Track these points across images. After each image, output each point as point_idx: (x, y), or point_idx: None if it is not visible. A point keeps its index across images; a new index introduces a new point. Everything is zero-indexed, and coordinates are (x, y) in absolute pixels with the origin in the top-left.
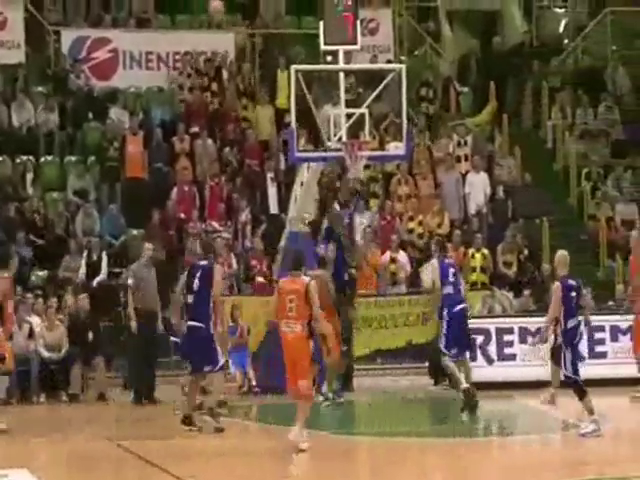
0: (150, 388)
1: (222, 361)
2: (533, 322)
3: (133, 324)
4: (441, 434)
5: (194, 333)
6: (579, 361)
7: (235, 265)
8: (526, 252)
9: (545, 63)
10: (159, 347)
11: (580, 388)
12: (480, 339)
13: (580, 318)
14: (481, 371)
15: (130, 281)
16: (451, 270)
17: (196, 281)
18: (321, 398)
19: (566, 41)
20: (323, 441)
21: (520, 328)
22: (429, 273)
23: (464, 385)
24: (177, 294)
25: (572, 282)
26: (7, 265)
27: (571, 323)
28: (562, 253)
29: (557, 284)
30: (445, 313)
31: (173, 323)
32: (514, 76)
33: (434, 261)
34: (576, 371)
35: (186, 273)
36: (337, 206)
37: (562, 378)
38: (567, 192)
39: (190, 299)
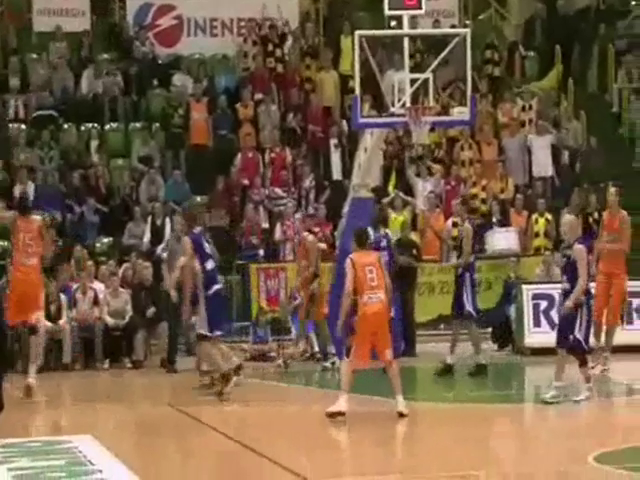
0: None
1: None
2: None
3: (173, 294)
4: (504, 400)
5: (218, 297)
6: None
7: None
8: (596, 215)
9: (611, 26)
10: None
11: (584, 355)
12: (544, 305)
13: None
14: (545, 337)
15: (164, 254)
16: None
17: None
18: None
19: (633, 3)
20: (383, 406)
21: None
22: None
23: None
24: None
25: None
26: None
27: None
28: (572, 218)
29: (581, 247)
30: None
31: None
32: (580, 40)
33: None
34: (587, 337)
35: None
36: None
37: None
38: (632, 156)
39: (210, 265)
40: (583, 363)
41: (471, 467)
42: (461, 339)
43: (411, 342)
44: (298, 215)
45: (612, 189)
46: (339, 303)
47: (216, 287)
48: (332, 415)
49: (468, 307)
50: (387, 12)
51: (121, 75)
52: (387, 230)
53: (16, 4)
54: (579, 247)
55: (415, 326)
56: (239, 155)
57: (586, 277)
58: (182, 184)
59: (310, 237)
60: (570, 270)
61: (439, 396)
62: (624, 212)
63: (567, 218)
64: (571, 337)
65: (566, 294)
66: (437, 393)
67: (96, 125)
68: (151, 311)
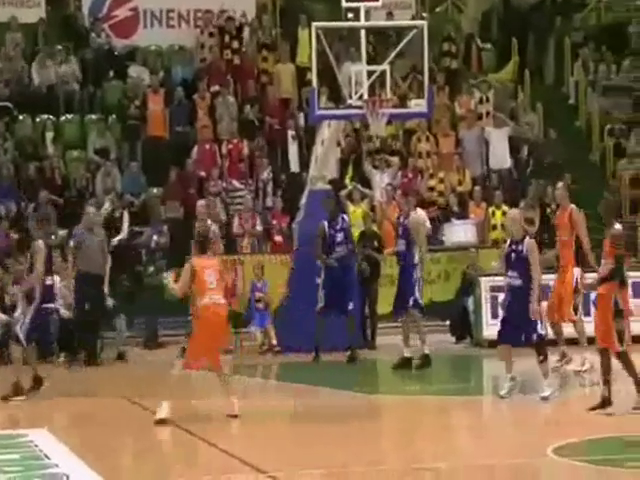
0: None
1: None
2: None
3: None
4: (463, 392)
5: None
6: None
7: (259, 225)
8: (554, 206)
9: (567, 19)
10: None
11: (546, 351)
12: (502, 297)
13: None
14: None
15: (71, 243)
16: None
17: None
18: None
19: None
20: (345, 400)
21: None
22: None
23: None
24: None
25: None
26: None
27: None
28: (517, 213)
29: (532, 241)
30: None
31: None
32: (536, 32)
33: None
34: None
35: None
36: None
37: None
38: (590, 148)
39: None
40: (545, 358)
41: (432, 460)
42: (414, 330)
43: (372, 334)
44: (202, 202)
45: (559, 183)
46: (295, 295)
47: (50, 305)
48: (159, 422)
49: (416, 298)
50: (344, 4)
51: (78, 65)
52: (344, 215)
53: None
54: (531, 241)
55: (377, 318)
56: (196, 147)
57: (539, 271)
58: (138, 176)
59: (214, 226)
60: (521, 265)
61: (398, 389)
62: (573, 206)
63: (511, 213)
64: (535, 336)
65: (514, 290)
66: (396, 386)
67: (51, 117)
68: (110, 303)
